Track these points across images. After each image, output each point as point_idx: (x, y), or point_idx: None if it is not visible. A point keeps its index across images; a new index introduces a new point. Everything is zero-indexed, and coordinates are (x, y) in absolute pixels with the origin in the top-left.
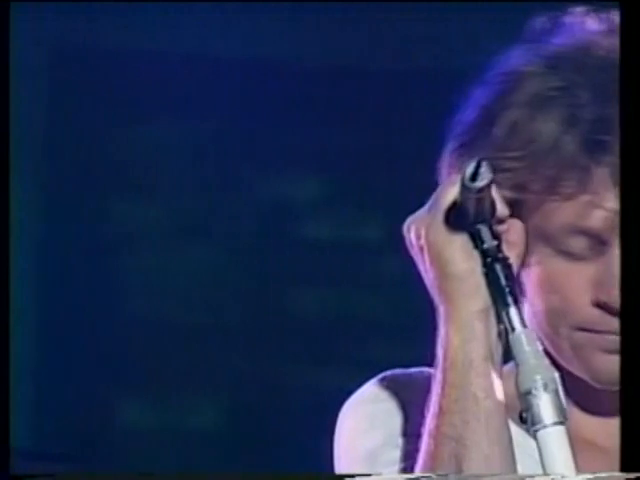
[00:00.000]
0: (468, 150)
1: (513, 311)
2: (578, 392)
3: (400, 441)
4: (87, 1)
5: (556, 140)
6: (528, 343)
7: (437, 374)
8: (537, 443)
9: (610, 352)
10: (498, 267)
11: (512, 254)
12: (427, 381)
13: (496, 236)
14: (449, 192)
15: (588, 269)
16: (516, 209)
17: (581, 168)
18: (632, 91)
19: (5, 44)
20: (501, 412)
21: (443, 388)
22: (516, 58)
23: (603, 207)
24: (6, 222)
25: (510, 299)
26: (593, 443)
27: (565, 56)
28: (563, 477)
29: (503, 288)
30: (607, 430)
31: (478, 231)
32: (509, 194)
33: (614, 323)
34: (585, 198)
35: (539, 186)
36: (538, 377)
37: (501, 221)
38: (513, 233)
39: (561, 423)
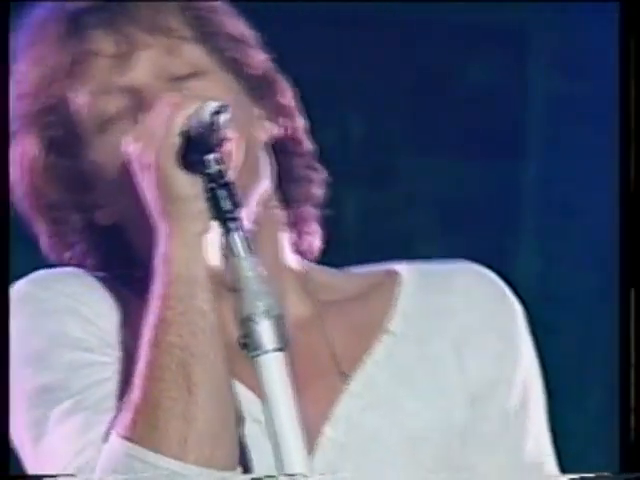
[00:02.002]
0: None
1: (235, 237)
2: None
3: (77, 342)
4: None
5: None
6: (250, 268)
7: (159, 288)
8: (256, 369)
9: None
10: (222, 193)
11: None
12: (87, 279)
13: (221, 162)
14: (179, 120)
15: None
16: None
17: None
18: (632, 91)
19: (5, 44)
20: (227, 327)
21: (167, 300)
22: None
23: None
24: (6, 223)
25: (232, 225)
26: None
27: None
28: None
29: (224, 214)
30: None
31: (204, 159)
32: None
33: None
34: None
35: None
36: (260, 303)
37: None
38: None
39: (281, 349)
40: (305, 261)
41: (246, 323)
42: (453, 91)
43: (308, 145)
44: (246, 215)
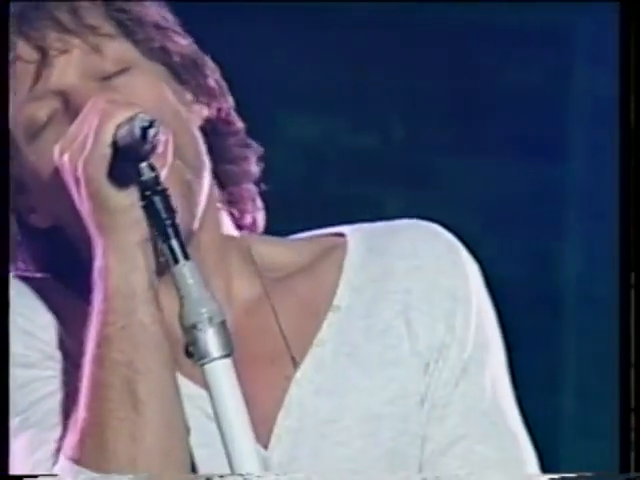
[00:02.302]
0: None
1: (174, 243)
2: None
3: (18, 359)
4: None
5: None
6: (191, 276)
7: (98, 304)
8: (205, 376)
9: None
10: (157, 200)
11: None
12: (26, 287)
13: (154, 168)
14: (109, 130)
15: None
16: None
17: None
18: (632, 93)
19: (5, 44)
20: (168, 339)
21: (107, 316)
22: None
23: None
24: (6, 224)
25: (171, 231)
26: None
27: None
28: (258, 477)
29: (163, 221)
30: None
31: (137, 167)
32: None
33: None
34: None
35: None
36: (203, 310)
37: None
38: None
39: (227, 356)
40: (248, 234)
41: (191, 331)
42: (496, 91)
43: (239, 124)
44: (198, 207)
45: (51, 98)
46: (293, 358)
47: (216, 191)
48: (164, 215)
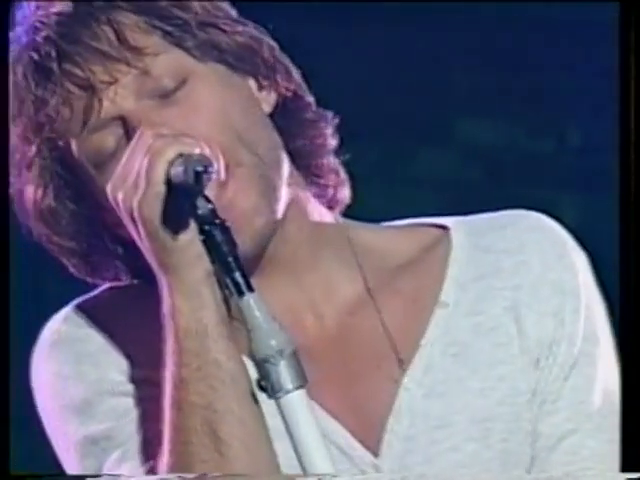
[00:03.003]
0: None
1: (237, 276)
2: None
3: (120, 387)
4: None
5: None
6: (257, 308)
7: (171, 344)
8: (281, 409)
9: None
10: (216, 233)
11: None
12: (123, 302)
13: (210, 201)
14: (161, 169)
15: None
16: None
17: None
18: (632, 92)
19: (5, 44)
20: (246, 373)
21: (181, 358)
22: None
23: None
24: (5, 223)
25: (233, 264)
26: None
27: None
28: (333, 477)
29: (224, 254)
30: None
31: (193, 202)
32: None
33: None
34: None
35: None
36: (273, 342)
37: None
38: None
39: (301, 387)
40: (343, 220)
41: (262, 365)
42: None
43: (309, 97)
44: (280, 201)
45: (113, 125)
46: (400, 360)
47: (296, 173)
48: (225, 248)
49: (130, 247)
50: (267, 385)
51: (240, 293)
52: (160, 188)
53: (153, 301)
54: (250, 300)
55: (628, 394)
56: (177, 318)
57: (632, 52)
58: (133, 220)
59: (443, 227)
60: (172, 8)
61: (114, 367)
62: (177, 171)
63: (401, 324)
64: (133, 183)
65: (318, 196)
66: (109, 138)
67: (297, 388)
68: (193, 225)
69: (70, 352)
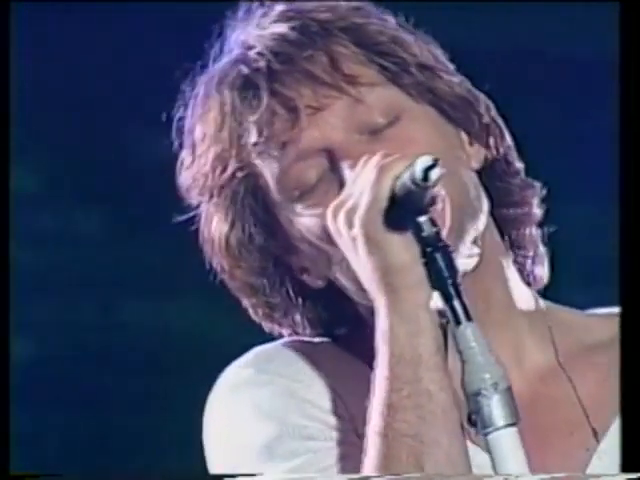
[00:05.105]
0: None
1: (457, 304)
2: None
3: (298, 430)
4: (87, 1)
5: None
6: (474, 339)
7: (382, 370)
8: (489, 446)
9: None
10: (439, 257)
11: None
12: (302, 353)
13: (435, 224)
14: (387, 184)
15: None
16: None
17: None
18: (632, 91)
19: (5, 43)
20: (457, 405)
21: (392, 384)
22: None
23: None
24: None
25: (453, 291)
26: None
27: None
28: (517, 477)
29: (445, 279)
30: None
31: (417, 221)
32: None
33: None
34: None
35: None
36: (487, 376)
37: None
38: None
39: (513, 424)
40: (541, 299)
41: (474, 398)
42: None
43: (519, 163)
44: (469, 257)
45: (318, 156)
46: (594, 430)
47: (498, 239)
48: (446, 273)
49: (312, 298)
50: (477, 419)
51: (458, 322)
52: (384, 204)
53: (332, 357)
54: (467, 330)
55: (628, 394)
56: (391, 342)
57: (632, 52)
58: (353, 239)
59: None
60: (392, 45)
61: (296, 410)
62: (403, 182)
63: (595, 395)
64: (356, 200)
65: (517, 266)
66: (313, 170)
67: (507, 426)
68: (416, 247)
69: (251, 394)
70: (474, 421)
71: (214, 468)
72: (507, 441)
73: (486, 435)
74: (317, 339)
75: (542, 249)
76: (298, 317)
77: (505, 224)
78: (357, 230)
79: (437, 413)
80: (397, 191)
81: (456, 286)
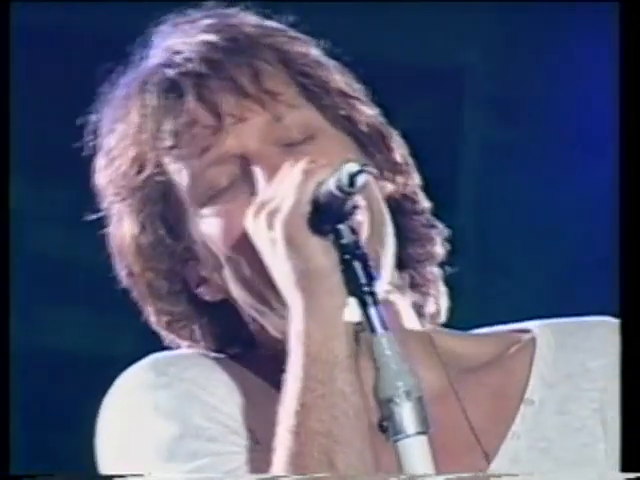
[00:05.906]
0: None
1: (373, 312)
2: None
3: (199, 431)
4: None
5: None
6: (389, 347)
7: (295, 370)
8: (398, 452)
9: None
10: (357, 264)
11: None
12: (203, 361)
13: (355, 232)
14: (311, 188)
15: None
16: None
17: None
18: (632, 91)
19: (5, 44)
20: (368, 410)
21: (306, 384)
22: None
23: None
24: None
25: (369, 299)
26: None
27: None
28: (422, 477)
29: (362, 287)
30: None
31: (337, 228)
32: None
33: None
34: None
35: None
36: (400, 384)
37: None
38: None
39: (423, 433)
40: (429, 326)
41: (386, 405)
42: None
43: (425, 203)
44: (381, 284)
45: (232, 163)
46: (485, 453)
47: (397, 273)
48: (363, 281)
49: (210, 312)
50: (388, 426)
51: (372, 330)
52: (307, 208)
53: (232, 367)
54: (382, 338)
55: (628, 394)
56: (307, 344)
57: (632, 52)
58: (272, 241)
59: (526, 331)
60: (315, 67)
61: (198, 413)
62: (327, 188)
63: (485, 417)
64: (278, 203)
65: (415, 306)
66: (225, 175)
67: (419, 434)
68: (335, 253)
69: (150, 397)
70: (385, 427)
71: (106, 471)
72: (417, 448)
73: (396, 442)
74: (216, 354)
75: (442, 288)
76: (197, 330)
77: (407, 261)
78: (278, 232)
79: (350, 414)
80: (320, 196)
81: (373, 294)
